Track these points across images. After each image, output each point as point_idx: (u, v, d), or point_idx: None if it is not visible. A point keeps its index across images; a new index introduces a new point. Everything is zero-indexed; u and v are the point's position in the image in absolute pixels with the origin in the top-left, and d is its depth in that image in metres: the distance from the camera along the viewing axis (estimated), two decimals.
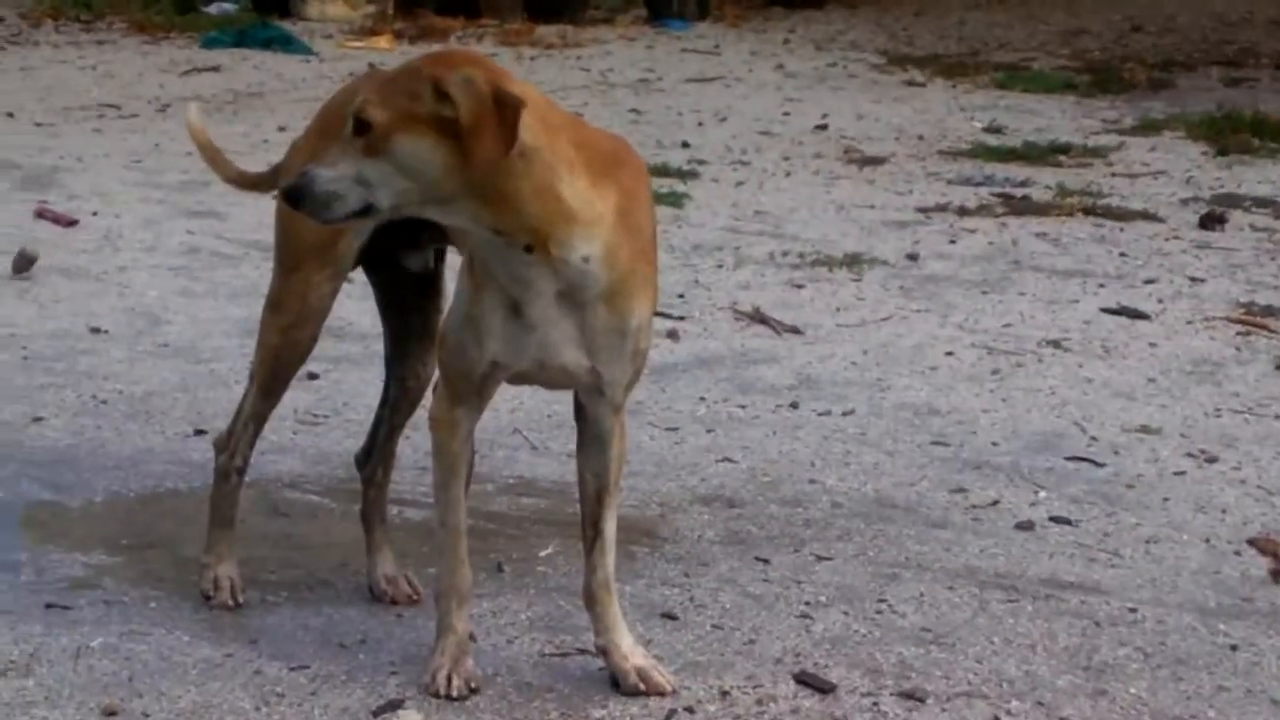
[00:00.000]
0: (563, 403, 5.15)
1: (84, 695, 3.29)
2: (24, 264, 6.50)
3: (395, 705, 3.27)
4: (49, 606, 3.68)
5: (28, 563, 3.93)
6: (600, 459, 3.37)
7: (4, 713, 3.22)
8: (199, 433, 4.79)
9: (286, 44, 13.27)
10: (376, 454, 3.87)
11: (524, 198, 3.06)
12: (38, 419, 4.93)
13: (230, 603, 3.70)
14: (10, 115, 10.06)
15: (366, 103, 3.03)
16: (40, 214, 7.48)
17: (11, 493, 4.36)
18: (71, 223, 7.36)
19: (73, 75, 11.72)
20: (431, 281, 3.76)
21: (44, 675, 3.37)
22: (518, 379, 3.35)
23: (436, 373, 3.46)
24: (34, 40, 13.53)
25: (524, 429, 4.91)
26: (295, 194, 3.08)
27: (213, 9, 15.34)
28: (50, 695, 3.29)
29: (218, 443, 3.81)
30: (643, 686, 3.34)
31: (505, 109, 2.98)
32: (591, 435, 3.37)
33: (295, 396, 4.67)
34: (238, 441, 3.76)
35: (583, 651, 3.49)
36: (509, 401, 4.95)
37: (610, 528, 3.39)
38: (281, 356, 3.68)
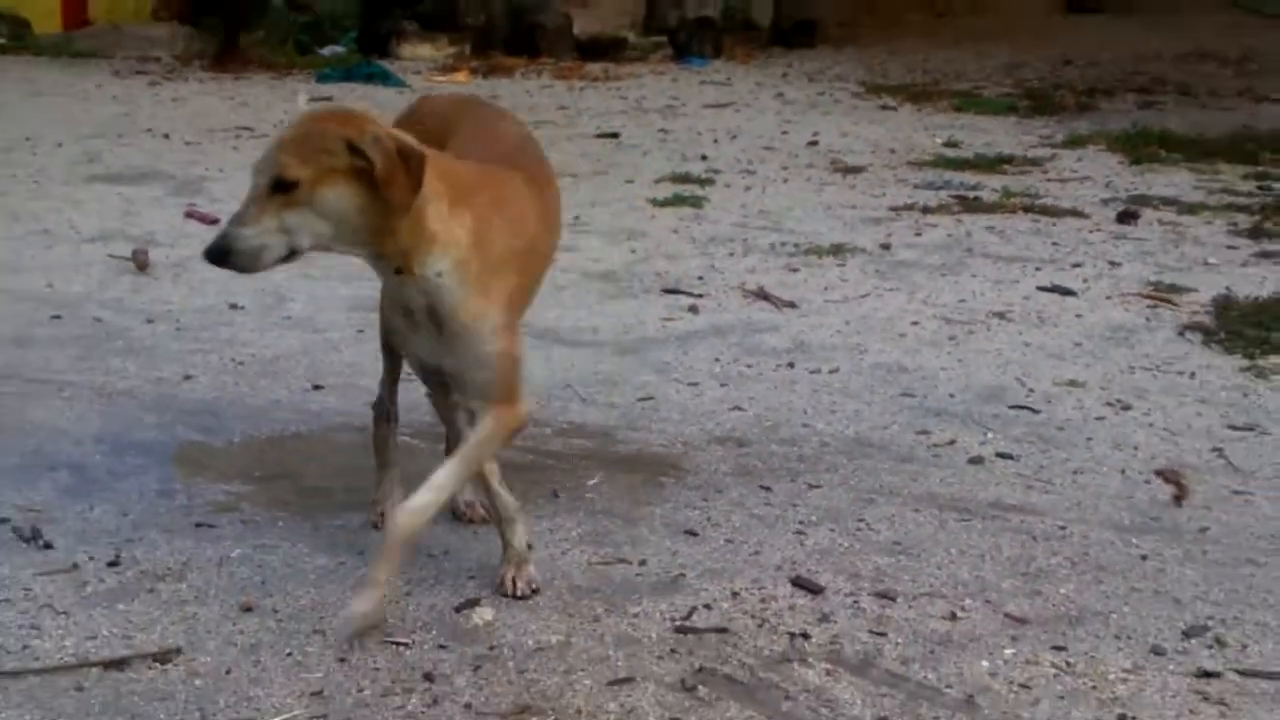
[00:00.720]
0: (607, 362, 5.16)
1: (226, 595, 3.31)
2: (144, 259, 6.47)
3: (473, 603, 3.28)
4: (198, 525, 3.70)
5: (181, 490, 3.94)
6: (475, 425, 3.16)
7: (163, 609, 3.24)
8: (316, 388, 4.80)
9: (385, 79, 13.26)
10: None
11: (401, 227, 2.94)
12: (188, 377, 4.95)
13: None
14: (166, 136, 10.08)
15: (284, 165, 2.84)
16: (189, 214, 7.49)
17: (168, 435, 4.38)
18: (214, 221, 7.34)
19: (215, 104, 11.72)
20: None
21: (194, 579, 3.39)
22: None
23: None
24: (184, 76, 13.54)
25: (575, 384, 4.91)
26: (218, 253, 2.87)
27: (326, 51, 15.35)
28: (200, 595, 3.31)
29: (375, 406, 3.73)
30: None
31: (411, 160, 2.89)
32: (470, 416, 3.19)
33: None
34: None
35: (622, 561, 3.50)
36: (563, 361, 4.94)
37: (447, 473, 3.15)
38: None
